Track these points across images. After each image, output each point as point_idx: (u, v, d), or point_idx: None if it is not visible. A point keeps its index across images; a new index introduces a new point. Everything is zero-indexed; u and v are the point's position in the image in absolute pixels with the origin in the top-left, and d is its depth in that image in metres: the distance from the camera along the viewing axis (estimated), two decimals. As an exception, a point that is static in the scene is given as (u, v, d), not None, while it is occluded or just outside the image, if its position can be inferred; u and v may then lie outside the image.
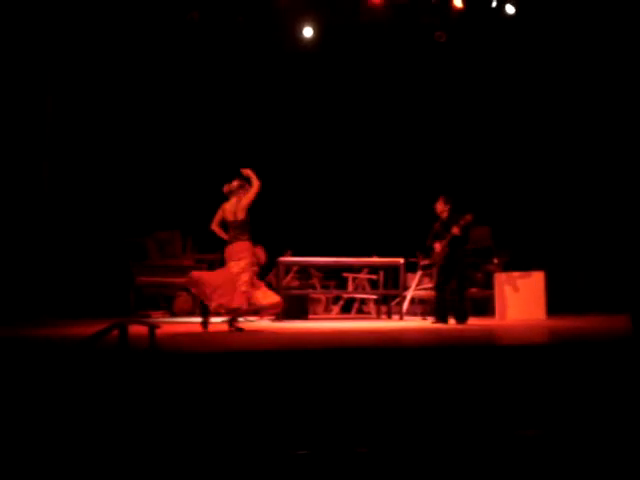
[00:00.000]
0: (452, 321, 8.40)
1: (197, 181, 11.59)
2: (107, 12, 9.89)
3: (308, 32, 10.73)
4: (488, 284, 9.87)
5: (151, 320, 7.53)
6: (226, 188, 7.77)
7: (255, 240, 7.75)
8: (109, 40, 10.26)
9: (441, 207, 8.51)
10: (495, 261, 9.98)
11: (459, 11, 10.28)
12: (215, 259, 10.93)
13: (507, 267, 9.79)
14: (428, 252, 8.64)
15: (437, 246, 8.37)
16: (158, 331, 4.86)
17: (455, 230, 8.23)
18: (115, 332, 4.63)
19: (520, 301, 9.10)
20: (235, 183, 7.70)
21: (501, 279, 9.29)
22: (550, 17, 10.45)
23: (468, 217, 8.14)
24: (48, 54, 9.91)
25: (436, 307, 8.57)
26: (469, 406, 4.14)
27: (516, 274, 9.26)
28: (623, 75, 9.92)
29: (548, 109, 11.19)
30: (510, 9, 10.39)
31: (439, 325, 8.20)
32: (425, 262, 8.91)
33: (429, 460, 3.60)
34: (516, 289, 9.14)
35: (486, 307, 9.97)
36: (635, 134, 9.65)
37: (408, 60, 11.55)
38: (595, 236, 10.49)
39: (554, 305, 9.33)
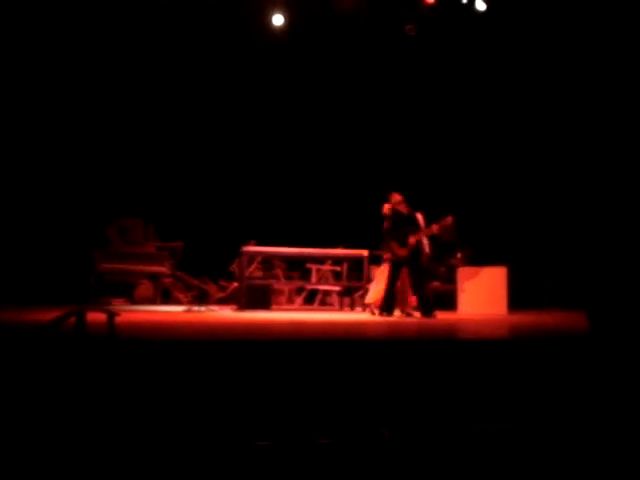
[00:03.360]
0: (418, 314, 8.50)
1: (160, 169, 11.46)
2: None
3: (279, 20, 10.62)
4: (451, 278, 9.94)
5: (110, 307, 7.43)
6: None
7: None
8: (71, 22, 10.02)
9: (398, 199, 8.61)
10: (458, 255, 10.06)
11: (430, 5, 10.30)
12: (176, 247, 10.84)
13: (470, 261, 9.87)
14: (401, 242, 8.57)
15: (411, 240, 8.44)
16: (118, 319, 4.79)
17: (435, 228, 8.45)
18: (73, 319, 4.56)
19: (482, 296, 9.19)
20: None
21: (464, 273, 9.36)
22: (521, 15, 10.52)
23: (449, 219, 8.36)
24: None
25: (385, 299, 8.66)
26: (428, 399, 4.15)
27: (478, 269, 9.34)
28: (591, 70, 10.02)
29: (514, 104, 11.28)
30: (481, 5, 10.43)
31: (386, 317, 8.33)
32: (388, 255, 8.93)
33: (391, 452, 3.61)
34: (478, 284, 9.23)
35: (448, 301, 10.04)
36: (597, 130, 9.75)
37: (378, 52, 11.53)
38: (557, 232, 10.63)
39: (516, 300, 9.43)
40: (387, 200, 8.75)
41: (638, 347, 4.55)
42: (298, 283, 11.53)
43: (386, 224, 8.62)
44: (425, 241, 8.94)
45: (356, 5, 10.09)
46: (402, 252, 8.48)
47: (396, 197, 8.66)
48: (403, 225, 8.53)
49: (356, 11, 10.14)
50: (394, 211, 8.65)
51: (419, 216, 8.85)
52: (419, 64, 11.60)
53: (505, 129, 11.37)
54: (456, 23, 10.66)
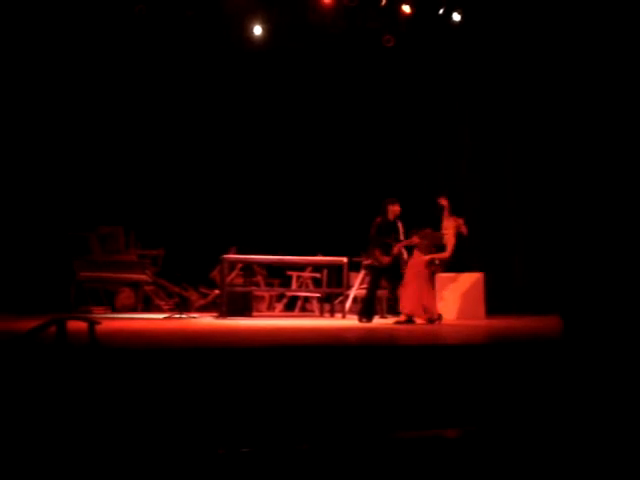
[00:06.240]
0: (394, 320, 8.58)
1: (141, 177, 11.47)
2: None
3: (257, 30, 10.67)
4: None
5: (91, 316, 7.43)
6: None
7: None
8: (49, 29, 9.99)
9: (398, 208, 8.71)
10: (436, 262, 10.13)
11: (407, 16, 10.42)
12: (157, 255, 10.85)
13: (448, 268, 9.94)
14: (384, 250, 8.63)
15: (395, 250, 8.52)
16: (98, 327, 4.81)
17: (415, 240, 8.53)
18: (53, 328, 4.57)
19: (460, 302, 9.27)
20: None
21: (441, 280, 9.44)
22: (495, 27, 10.70)
23: (428, 231, 8.48)
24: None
25: (365, 305, 8.73)
26: (409, 404, 4.22)
27: (456, 275, 9.41)
28: (564, 78, 10.17)
29: (489, 113, 11.42)
30: (456, 17, 10.59)
31: (366, 323, 8.38)
32: (369, 262, 9.00)
33: (369, 458, 3.66)
34: (456, 290, 9.31)
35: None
36: (570, 135, 9.89)
37: (356, 63, 11.63)
38: (532, 238, 10.75)
39: (493, 306, 9.53)
40: (384, 205, 8.73)
41: (611, 351, 4.66)
42: (279, 290, 11.57)
43: (372, 230, 8.68)
44: (403, 249, 9.01)
45: (333, 16, 10.17)
46: (385, 260, 8.56)
47: (396, 207, 8.71)
48: (387, 232, 8.61)
49: (334, 22, 10.23)
50: (383, 218, 8.71)
51: (400, 225, 8.96)
52: (397, 74, 11.73)
53: (480, 137, 11.50)
54: (433, 34, 10.81)
